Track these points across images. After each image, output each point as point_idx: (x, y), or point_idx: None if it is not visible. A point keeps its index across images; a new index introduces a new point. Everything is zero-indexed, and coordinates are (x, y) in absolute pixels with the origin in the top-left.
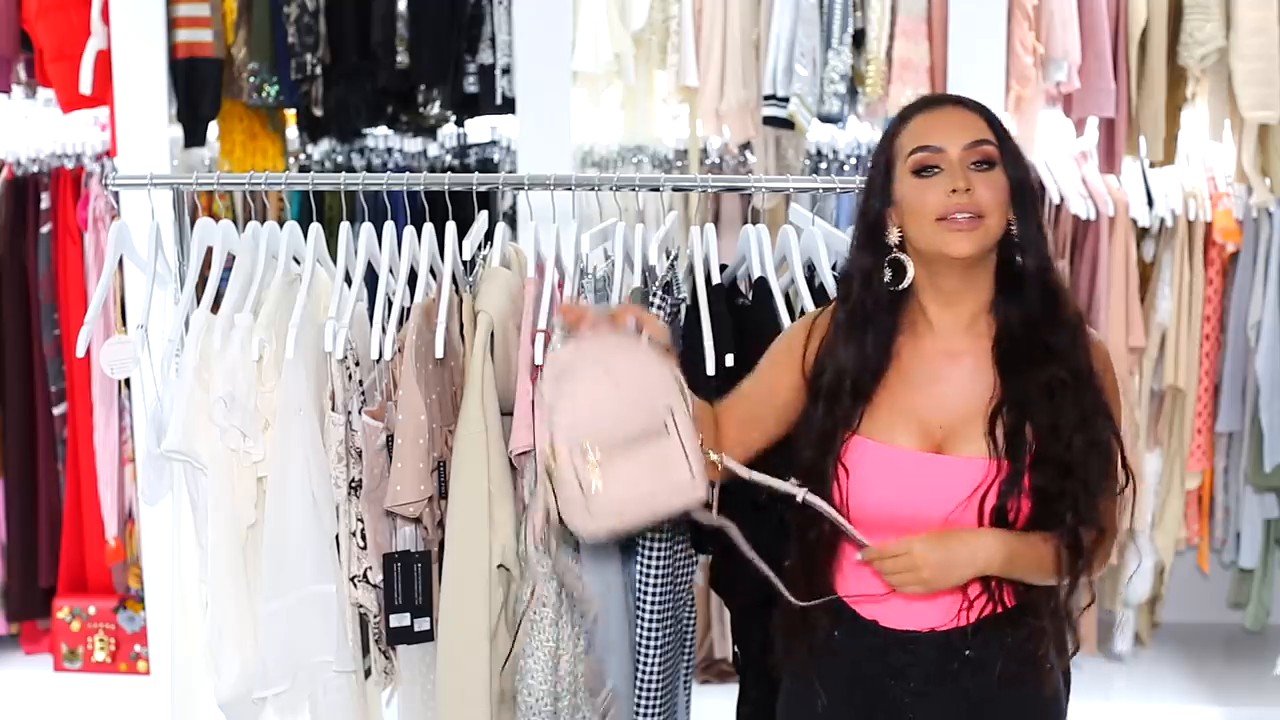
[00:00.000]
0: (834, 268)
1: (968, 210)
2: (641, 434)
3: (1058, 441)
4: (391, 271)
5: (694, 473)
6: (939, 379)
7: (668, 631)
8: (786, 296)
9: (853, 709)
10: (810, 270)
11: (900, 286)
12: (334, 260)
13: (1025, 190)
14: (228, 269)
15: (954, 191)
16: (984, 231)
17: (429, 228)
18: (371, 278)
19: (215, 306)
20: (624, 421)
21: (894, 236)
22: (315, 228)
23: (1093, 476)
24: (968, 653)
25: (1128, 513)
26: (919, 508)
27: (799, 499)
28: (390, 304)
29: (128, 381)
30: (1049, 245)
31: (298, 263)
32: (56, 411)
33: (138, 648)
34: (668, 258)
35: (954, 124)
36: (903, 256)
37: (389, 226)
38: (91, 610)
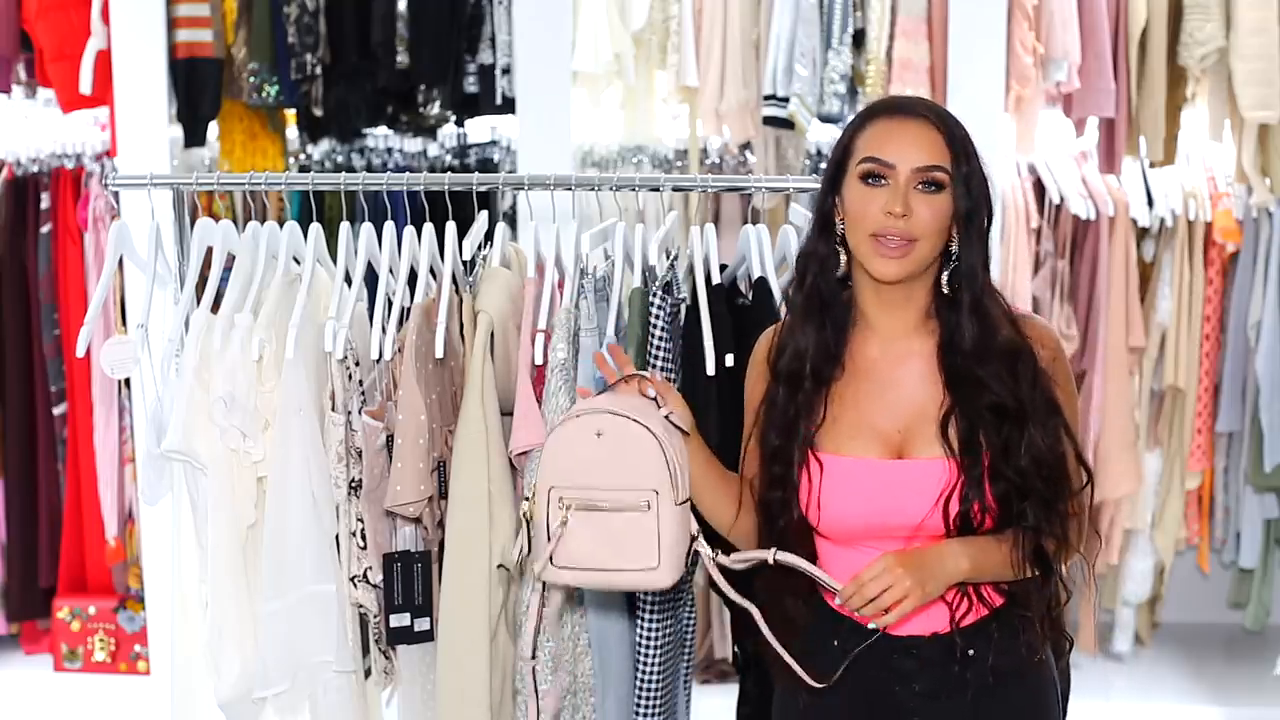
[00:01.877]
0: None
1: (900, 235)
2: (620, 506)
3: (1009, 461)
4: (391, 271)
5: (661, 562)
6: (891, 384)
7: (668, 631)
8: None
9: (858, 714)
10: None
11: (840, 273)
12: (334, 260)
13: (973, 219)
14: (227, 269)
15: (890, 214)
16: (914, 258)
17: (429, 228)
18: (371, 278)
19: (215, 307)
20: (604, 489)
21: (839, 228)
22: (315, 228)
23: (1048, 488)
24: (971, 652)
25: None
26: (889, 514)
27: (770, 560)
28: (390, 304)
29: (128, 381)
30: (987, 274)
31: (298, 263)
32: (56, 411)
33: (138, 648)
34: (668, 258)
35: (911, 141)
36: (841, 251)
37: (389, 226)
38: (91, 610)
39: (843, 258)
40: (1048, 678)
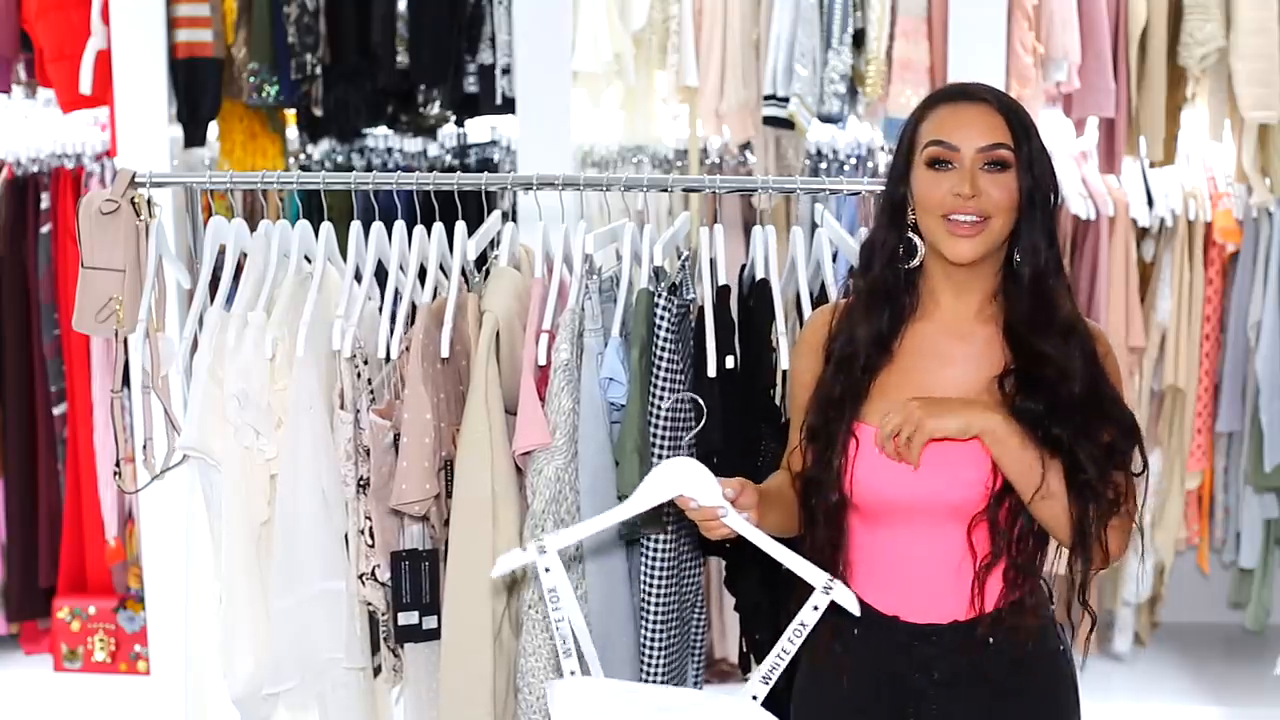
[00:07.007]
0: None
1: (972, 213)
2: None
3: (1070, 415)
4: (402, 268)
5: None
6: (946, 363)
7: (673, 632)
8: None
9: (876, 701)
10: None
11: (912, 264)
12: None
13: (1035, 197)
14: (238, 270)
15: (959, 195)
16: (987, 235)
17: (439, 226)
18: (381, 278)
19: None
20: None
21: (911, 217)
22: (326, 226)
23: (1108, 444)
24: (990, 640)
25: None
26: (920, 492)
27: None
28: (398, 303)
29: (126, 381)
30: (1053, 252)
31: (309, 261)
32: (56, 411)
33: (138, 648)
34: (679, 258)
35: (974, 123)
36: (915, 238)
37: (399, 226)
38: (91, 610)
39: (919, 245)
40: (1066, 674)
